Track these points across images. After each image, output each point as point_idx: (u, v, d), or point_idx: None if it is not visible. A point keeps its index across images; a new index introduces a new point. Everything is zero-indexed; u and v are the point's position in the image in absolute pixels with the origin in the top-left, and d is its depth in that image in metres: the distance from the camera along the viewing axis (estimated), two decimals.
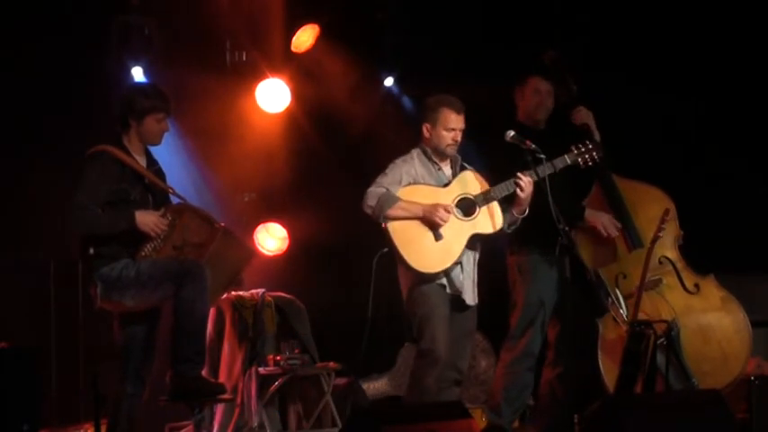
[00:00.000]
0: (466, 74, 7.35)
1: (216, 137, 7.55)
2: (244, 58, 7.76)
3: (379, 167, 6.08)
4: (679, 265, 6.42)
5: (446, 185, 6.04)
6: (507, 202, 6.04)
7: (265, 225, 7.96)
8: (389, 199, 5.91)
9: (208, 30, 7.50)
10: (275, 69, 7.76)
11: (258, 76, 7.75)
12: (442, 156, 6.10)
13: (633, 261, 6.39)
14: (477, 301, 6.09)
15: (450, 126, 6.04)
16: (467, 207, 5.99)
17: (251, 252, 5.92)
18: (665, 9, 7.50)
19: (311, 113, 7.96)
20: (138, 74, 7.28)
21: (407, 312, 6.05)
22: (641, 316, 6.22)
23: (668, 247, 6.43)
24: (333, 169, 7.86)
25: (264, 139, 7.75)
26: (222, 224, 5.68)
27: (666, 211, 6.34)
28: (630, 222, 6.44)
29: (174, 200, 5.76)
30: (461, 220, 5.97)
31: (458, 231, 5.95)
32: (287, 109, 7.87)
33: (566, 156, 6.11)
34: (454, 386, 6.07)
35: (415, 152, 6.11)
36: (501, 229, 6.04)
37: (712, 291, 6.40)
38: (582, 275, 6.42)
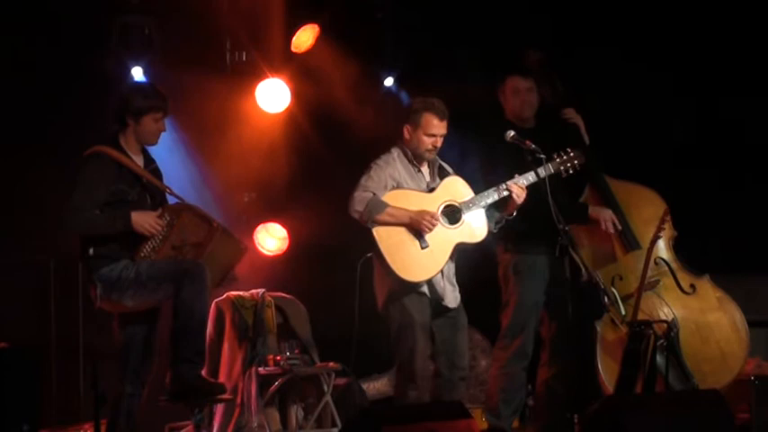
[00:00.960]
0: (466, 73, 7.35)
1: (216, 137, 7.55)
2: (244, 58, 7.76)
3: None
4: (674, 266, 6.43)
5: (432, 191, 6.00)
6: (495, 206, 6.01)
7: (265, 225, 7.95)
8: (378, 204, 5.86)
9: (208, 30, 7.50)
10: (275, 69, 7.76)
11: (258, 76, 7.74)
12: (420, 159, 6.06)
13: (629, 262, 6.40)
14: (458, 302, 6.05)
15: (432, 132, 5.97)
16: (452, 214, 5.95)
17: (245, 248, 5.91)
18: (664, 7, 7.50)
19: (311, 113, 7.95)
20: (138, 74, 7.27)
21: (384, 318, 6.00)
22: (642, 316, 6.22)
23: (663, 248, 6.43)
24: (333, 169, 7.84)
25: (264, 139, 7.74)
26: (217, 221, 5.68)
27: (666, 212, 6.35)
28: (626, 224, 6.43)
29: (172, 199, 5.76)
30: (447, 227, 5.93)
31: (443, 240, 5.91)
32: (287, 109, 7.86)
33: (549, 164, 6.06)
34: (459, 383, 6.05)
35: (396, 152, 6.06)
36: (486, 237, 5.99)
37: (708, 291, 6.40)
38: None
